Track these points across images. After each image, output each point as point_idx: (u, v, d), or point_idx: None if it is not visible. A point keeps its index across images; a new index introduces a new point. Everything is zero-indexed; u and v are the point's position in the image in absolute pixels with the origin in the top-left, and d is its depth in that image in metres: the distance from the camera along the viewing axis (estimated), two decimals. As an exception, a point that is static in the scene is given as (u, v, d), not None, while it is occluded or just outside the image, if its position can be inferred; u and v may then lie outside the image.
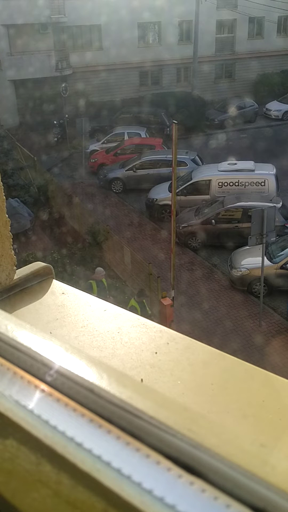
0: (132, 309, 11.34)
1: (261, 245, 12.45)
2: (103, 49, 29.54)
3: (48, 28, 27.88)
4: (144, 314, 11.24)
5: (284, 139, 25.42)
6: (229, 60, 32.65)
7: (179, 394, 0.71)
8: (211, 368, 0.76)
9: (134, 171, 20.56)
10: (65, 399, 0.50)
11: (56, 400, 0.51)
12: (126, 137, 24.02)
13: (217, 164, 18.79)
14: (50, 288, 1.01)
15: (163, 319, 11.96)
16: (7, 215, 0.97)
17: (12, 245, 1.01)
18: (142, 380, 0.73)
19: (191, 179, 18.21)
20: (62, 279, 1.04)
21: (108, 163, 22.25)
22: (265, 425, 0.64)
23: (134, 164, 20.69)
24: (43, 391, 0.52)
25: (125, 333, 0.86)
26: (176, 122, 11.83)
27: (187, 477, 0.42)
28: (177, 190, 14.71)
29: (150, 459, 0.44)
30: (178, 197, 14.82)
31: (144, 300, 11.76)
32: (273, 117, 29.34)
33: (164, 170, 19.54)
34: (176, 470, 0.42)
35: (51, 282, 1.03)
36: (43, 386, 0.52)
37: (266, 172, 17.76)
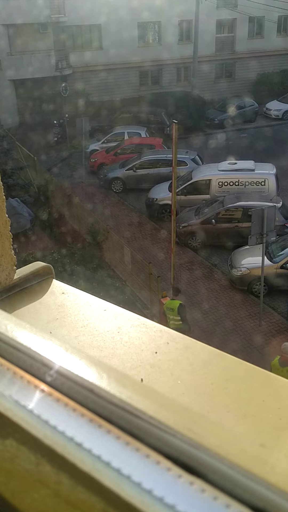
0: (168, 311, 11.31)
1: (261, 244, 12.45)
2: (103, 48, 29.53)
3: (48, 27, 27.86)
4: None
5: (284, 139, 25.41)
6: (229, 59, 32.64)
7: (179, 394, 0.71)
8: (211, 368, 0.76)
9: (134, 171, 20.56)
10: (65, 399, 0.50)
11: (56, 400, 0.51)
12: (126, 137, 24.02)
13: (217, 163, 18.79)
14: (50, 288, 1.01)
15: (163, 319, 11.95)
16: (7, 215, 0.97)
17: (12, 245, 1.01)
18: (142, 380, 0.73)
19: (191, 178, 18.21)
20: (62, 279, 1.04)
21: (108, 163, 22.24)
22: (265, 425, 0.64)
23: (134, 163, 20.69)
24: (42, 391, 0.52)
25: (125, 333, 0.85)
26: (176, 121, 11.83)
27: (187, 477, 0.42)
28: (177, 190, 14.70)
29: (150, 459, 0.44)
30: (178, 196, 14.81)
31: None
32: (273, 116, 29.33)
33: (164, 170, 19.54)
34: (176, 470, 0.42)
35: (51, 282, 1.03)
36: (42, 386, 0.52)
37: (266, 171, 17.75)
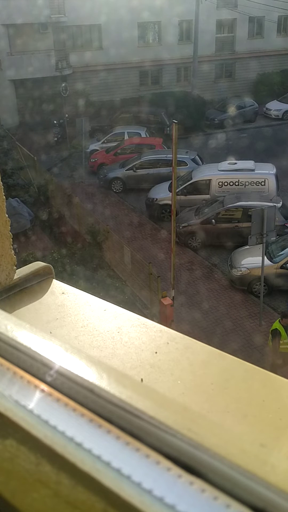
0: (275, 332, 10.52)
1: (261, 244, 12.45)
2: (103, 48, 29.53)
3: (48, 27, 27.87)
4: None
5: (284, 139, 25.41)
6: (229, 59, 32.64)
7: (179, 394, 0.71)
8: (211, 368, 0.76)
9: (134, 171, 20.56)
10: (65, 399, 0.50)
11: (56, 400, 0.51)
12: (126, 137, 24.02)
13: (217, 163, 18.79)
14: (50, 288, 1.01)
15: (163, 319, 11.95)
16: (7, 215, 0.97)
17: (12, 245, 1.01)
18: (142, 380, 0.73)
19: (191, 178, 18.21)
20: (62, 279, 1.04)
21: (108, 163, 22.25)
22: (265, 425, 0.64)
23: (134, 163, 20.69)
24: (42, 391, 0.52)
25: (125, 333, 0.85)
26: (176, 121, 11.83)
27: (186, 477, 0.42)
28: (177, 190, 14.70)
29: (150, 459, 0.44)
30: (178, 196, 14.81)
31: None
32: (273, 116, 29.34)
33: (164, 170, 19.55)
34: (176, 470, 0.42)
35: (51, 282, 1.03)
36: (42, 386, 0.52)
37: (266, 171, 17.75)
